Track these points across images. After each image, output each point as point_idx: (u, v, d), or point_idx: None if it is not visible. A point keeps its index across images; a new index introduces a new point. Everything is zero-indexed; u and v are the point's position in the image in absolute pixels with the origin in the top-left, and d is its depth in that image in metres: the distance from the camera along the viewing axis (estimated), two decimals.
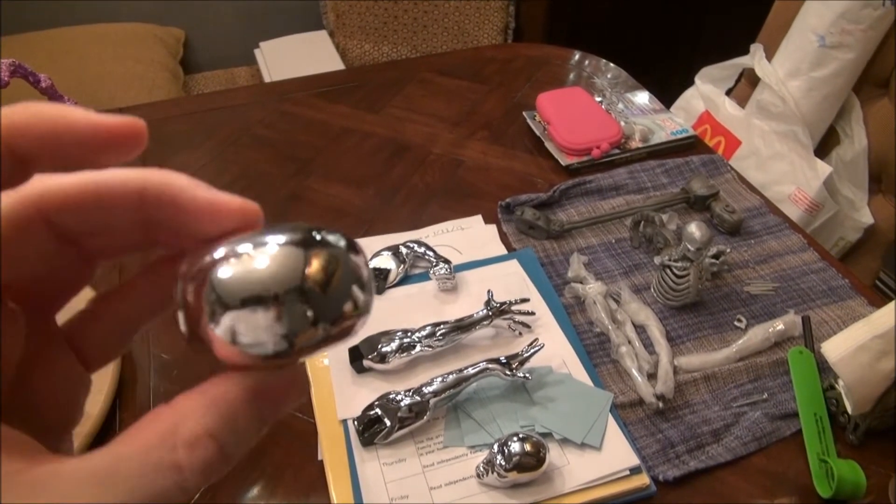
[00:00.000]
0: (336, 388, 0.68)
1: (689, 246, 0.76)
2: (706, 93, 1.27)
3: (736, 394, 0.72)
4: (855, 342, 0.62)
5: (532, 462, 0.59)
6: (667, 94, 1.33)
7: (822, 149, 1.15)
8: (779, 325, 0.77)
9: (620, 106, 1.14)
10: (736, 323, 0.79)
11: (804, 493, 0.64)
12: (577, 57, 1.32)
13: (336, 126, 1.11)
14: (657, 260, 0.81)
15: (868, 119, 1.11)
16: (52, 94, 0.82)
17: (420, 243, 0.84)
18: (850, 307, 0.81)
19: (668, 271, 0.79)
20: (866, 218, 1.09)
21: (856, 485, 0.60)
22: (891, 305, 0.62)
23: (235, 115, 1.14)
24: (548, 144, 1.05)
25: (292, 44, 1.98)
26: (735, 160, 1.17)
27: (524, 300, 0.75)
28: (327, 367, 0.70)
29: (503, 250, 0.87)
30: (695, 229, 0.75)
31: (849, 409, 0.65)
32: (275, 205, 0.95)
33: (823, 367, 0.72)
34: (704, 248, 0.76)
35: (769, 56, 1.20)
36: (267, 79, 1.89)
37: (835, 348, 0.63)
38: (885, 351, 0.61)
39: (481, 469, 0.60)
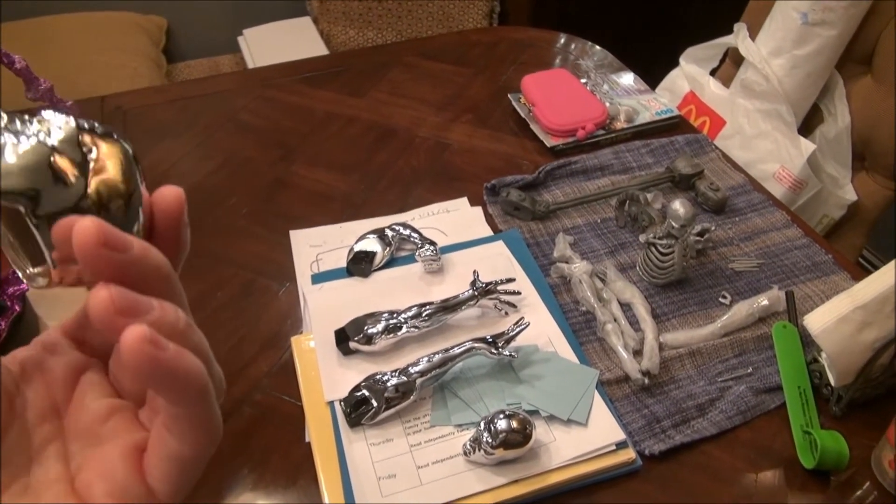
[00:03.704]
0: (322, 370, 0.68)
1: (673, 223, 0.76)
2: (691, 73, 1.27)
3: (721, 369, 0.72)
4: (837, 314, 0.62)
5: (518, 439, 0.59)
6: (652, 76, 1.33)
7: (806, 127, 1.15)
8: (763, 300, 0.77)
9: (605, 87, 1.14)
10: (721, 299, 0.80)
11: (788, 464, 0.64)
12: (562, 40, 1.32)
13: (320, 111, 1.11)
14: (642, 238, 0.81)
15: (851, 96, 1.11)
16: (26, 76, 0.80)
17: (406, 226, 0.84)
18: (833, 282, 0.82)
19: (652, 249, 0.79)
20: (850, 195, 1.10)
21: (839, 455, 0.61)
22: (872, 277, 0.62)
23: (219, 101, 1.13)
24: (533, 126, 1.05)
25: (276, 31, 1.96)
26: (720, 139, 1.17)
27: (510, 280, 0.76)
28: (313, 349, 0.70)
29: (489, 232, 0.87)
30: (679, 207, 0.76)
31: (832, 382, 0.66)
32: (260, 190, 0.95)
33: (807, 341, 0.72)
34: (688, 226, 0.77)
35: (753, 35, 1.20)
36: (251, 66, 1.87)
37: (817, 321, 0.63)
38: (867, 322, 0.62)
39: (468, 447, 0.60)
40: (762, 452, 0.65)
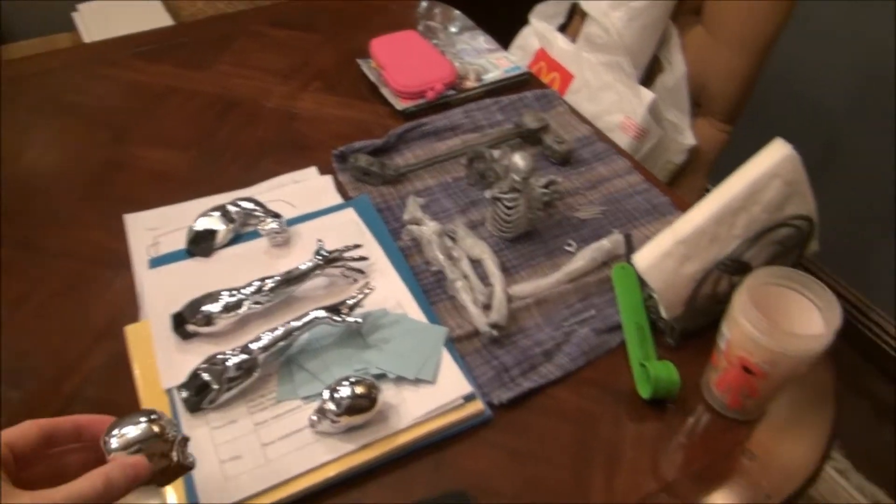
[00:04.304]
0: (159, 357, 0.64)
1: (515, 177, 0.77)
2: (540, 30, 1.29)
3: (566, 314, 0.74)
4: (660, 250, 0.65)
5: (364, 404, 0.59)
6: (507, 37, 1.34)
7: (648, 77, 1.20)
8: (605, 244, 0.80)
9: (455, 47, 1.14)
10: (566, 247, 0.82)
11: (629, 398, 0.67)
12: (413, 1, 1.30)
13: (158, 87, 1.04)
14: (487, 194, 0.82)
15: (686, 46, 1.16)
16: None
17: (249, 200, 0.81)
18: (670, 223, 0.85)
19: (499, 204, 0.80)
20: (689, 140, 1.16)
21: (670, 382, 0.64)
22: (691, 212, 0.66)
23: (46, 82, 1.04)
24: (383, 90, 1.03)
25: (116, 5, 1.83)
26: (569, 94, 1.20)
27: (356, 246, 0.74)
28: (149, 336, 0.66)
29: (339, 200, 0.86)
30: (518, 160, 0.77)
31: (664, 315, 0.70)
32: (92, 174, 0.88)
33: (644, 280, 0.75)
34: (530, 178, 0.78)
35: None
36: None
37: (643, 258, 0.66)
38: (688, 255, 0.65)
39: (314, 418, 0.59)
40: (606, 389, 0.68)
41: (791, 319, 0.61)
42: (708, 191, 0.68)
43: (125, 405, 0.63)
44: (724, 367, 0.63)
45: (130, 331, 0.67)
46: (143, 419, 0.45)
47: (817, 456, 0.63)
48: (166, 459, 0.45)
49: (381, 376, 0.64)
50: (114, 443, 0.44)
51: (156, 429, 0.45)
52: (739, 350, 0.60)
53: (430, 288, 0.76)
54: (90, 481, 0.40)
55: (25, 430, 0.43)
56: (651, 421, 0.66)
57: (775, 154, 0.67)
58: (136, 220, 0.81)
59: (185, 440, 0.48)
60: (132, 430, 0.45)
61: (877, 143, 1.51)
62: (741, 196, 0.65)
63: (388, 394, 0.63)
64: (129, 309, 0.71)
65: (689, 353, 0.71)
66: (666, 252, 0.65)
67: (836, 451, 1.47)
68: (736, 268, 0.66)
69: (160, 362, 0.64)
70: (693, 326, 0.72)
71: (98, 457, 0.45)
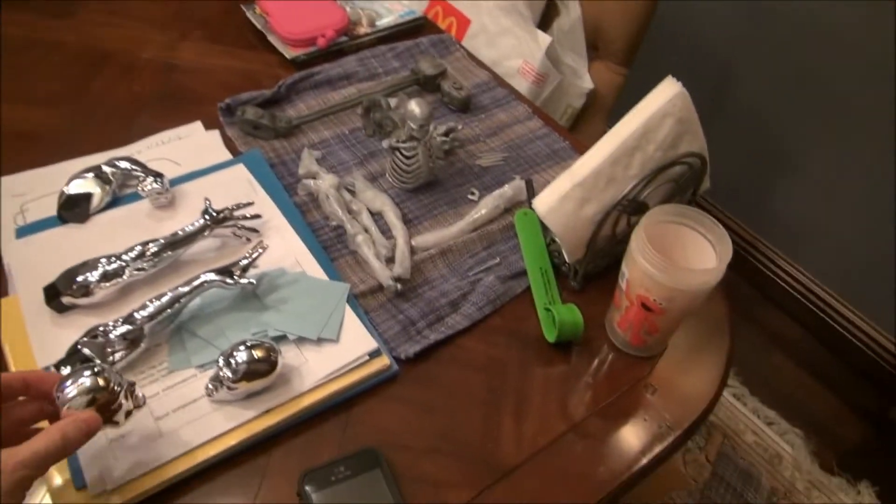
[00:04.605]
0: (32, 333, 0.59)
1: (412, 125, 0.75)
2: None
3: (471, 263, 0.73)
4: (559, 193, 0.65)
5: (264, 368, 0.56)
6: None
7: (545, 21, 1.19)
8: (507, 191, 0.79)
9: None
10: (469, 196, 0.81)
11: (536, 343, 0.68)
12: None
13: (16, 38, 0.94)
14: (385, 143, 0.79)
15: None
16: None
17: (127, 159, 0.74)
18: (570, 166, 0.86)
19: (397, 154, 0.77)
20: (588, 83, 1.16)
21: (574, 325, 0.65)
22: (587, 155, 0.65)
23: None
24: (271, 38, 0.97)
25: None
26: (467, 39, 1.17)
27: (248, 204, 0.70)
28: (20, 313, 0.60)
29: (228, 156, 0.80)
30: (415, 107, 0.74)
31: (566, 258, 0.70)
32: None
33: (545, 224, 0.75)
34: (427, 125, 0.75)
35: None
36: None
37: (543, 202, 0.65)
38: (586, 198, 0.65)
39: (210, 387, 0.56)
40: (513, 336, 0.68)
41: (686, 255, 0.62)
42: None
43: None
44: (625, 306, 0.64)
45: None
46: (87, 373, 0.48)
47: (715, 385, 0.66)
48: (116, 405, 0.49)
49: (282, 338, 0.61)
50: (68, 393, 0.47)
51: (101, 381, 0.48)
52: (638, 288, 0.61)
53: (329, 244, 0.73)
54: (49, 437, 0.43)
55: None
56: (558, 364, 0.67)
57: (666, 92, 0.67)
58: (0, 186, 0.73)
59: (132, 385, 0.51)
60: (83, 382, 0.48)
61: (762, 82, 1.57)
62: (635, 136, 0.66)
63: (288, 356, 0.60)
64: None
65: (592, 294, 0.72)
66: (564, 195, 0.65)
67: (732, 377, 1.57)
68: (634, 208, 0.67)
69: (33, 339, 0.59)
70: (595, 268, 0.72)
71: (45, 408, 0.49)
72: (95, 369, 0.49)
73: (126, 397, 0.50)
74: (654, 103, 0.66)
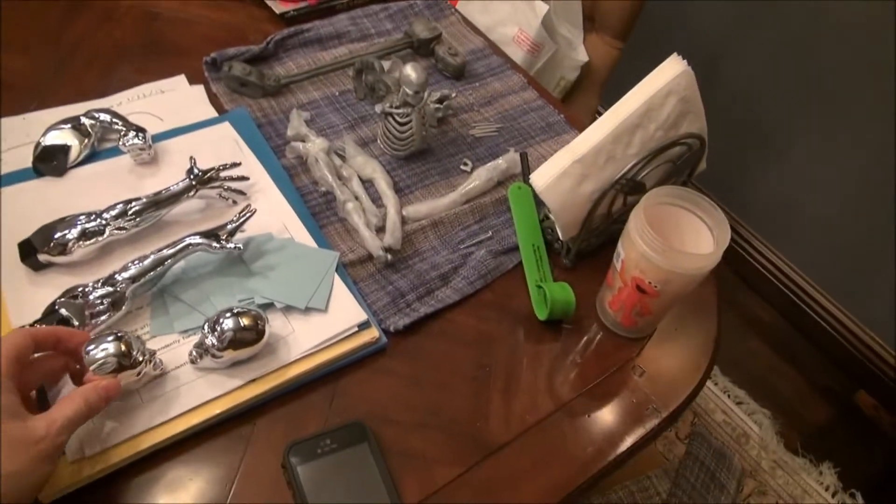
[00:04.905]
0: (6, 292, 0.56)
1: (407, 90, 0.72)
2: None
3: (463, 236, 0.72)
4: (558, 169, 0.63)
5: (250, 336, 0.54)
6: None
7: None
8: (501, 163, 0.77)
9: None
10: (462, 167, 0.79)
11: (526, 319, 0.67)
12: None
13: None
14: (378, 108, 0.76)
15: None
16: None
17: (107, 111, 0.71)
18: (564, 141, 0.84)
19: (390, 119, 0.75)
20: (582, 56, 1.14)
21: (566, 303, 0.64)
22: (587, 131, 0.64)
23: None
24: None
25: None
26: (461, 4, 1.14)
27: (235, 165, 0.68)
28: None
29: (213, 113, 0.77)
30: (411, 72, 0.71)
31: (560, 236, 0.69)
32: None
33: (540, 200, 0.74)
34: (423, 91, 0.73)
35: None
36: None
37: (541, 177, 0.64)
38: (585, 175, 0.64)
39: (194, 354, 0.54)
40: (503, 311, 0.67)
41: (682, 238, 0.61)
42: (599, 111, 0.66)
43: None
44: (618, 286, 0.63)
45: None
46: (111, 338, 0.50)
47: (702, 370, 0.66)
48: (137, 369, 0.51)
49: (268, 306, 0.59)
50: (94, 355, 0.49)
51: (123, 347, 0.50)
52: (634, 270, 0.60)
53: (318, 210, 0.71)
54: (75, 403, 0.46)
55: (23, 340, 0.47)
56: (547, 342, 0.66)
57: (671, 70, 0.65)
58: None
59: (153, 353, 0.53)
60: (107, 347, 0.50)
61: (750, 66, 1.57)
62: (638, 113, 0.64)
63: (275, 324, 0.58)
64: None
65: (584, 273, 0.71)
66: (563, 172, 0.63)
67: None
68: (632, 187, 0.65)
69: (7, 298, 0.56)
70: (588, 247, 0.71)
71: (70, 364, 0.51)
72: (119, 335, 0.51)
73: (147, 364, 0.52)
74: (658, 81, 0.65)
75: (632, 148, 0.65)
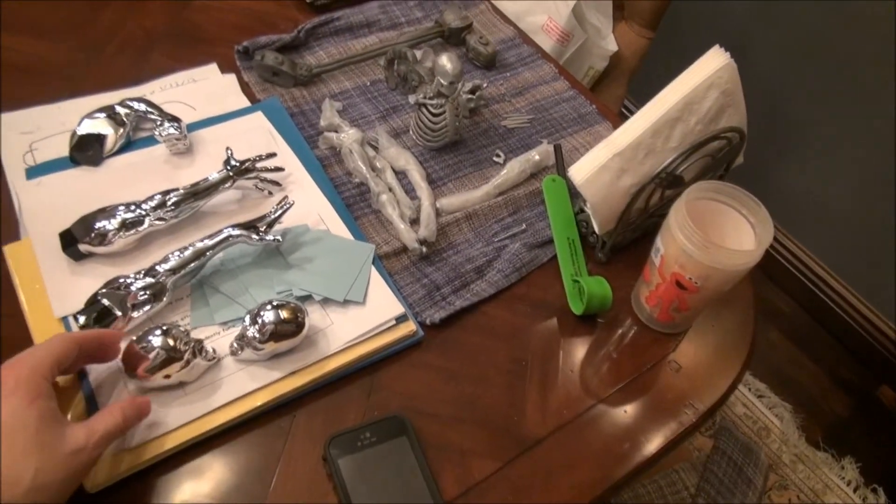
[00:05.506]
0: (48, 281, 0.57)
1: (441, 81, 0.72)
2: None
3: (497, 228, 0.72)
4: (597, 163, 0.63)
5: (291, 329, 0.54)
6: None
7: None
8: (534, 155, 0.77)
9: None
10: (494, 158, 0.79)
11: (561, 313, 0.67)
12: None
13: None
14: (412, 99, 0.76)
15: None
16: None
17: (142, 101, 0.71)
18: (597, 132, 0.84)
19: (424, 110, 0.74)
20: (612, 45, 1.13)
21: (603, 298, 0.64)
22: (626, 125, 0.63)
23: None
24: None
25: None
26: None
27: (271, 155, 0.67)
28: (33, 257, 0.58)
29: (245, 102, 0.77)
30: (446, 62, 0.71)
31: (596, 229, 0.68)
32: None
33: (574, 193, 0.74)
34: (457, 82, 0.73)
35: None
36: None
37: (580, 170, 0.63)
38: (624, 168, 0.63)
39: (235, 346, 0.54)
40: (537, 305, 0.67)
41: (723, 234, 0.61)
42: (628, 101, 0.66)
43: (13, 337, 0.55)
44: (656, 282, 0.62)
45: (10, 251, 0.58)
46: (158, 332, 0.51)
47: (738, 367, 0.66)
48: (185, 360, 0.52)
49: (306, 298, 0.59)
50: (145, 348, 0.51)
51: (171, 341, 0.51)
52: (674, 265, 0.59)
53: (352, 201, 0.71)
54: (112, 417, 0.46)
55: (66, 348, 0.46)
56: (582, 336, 0.66)
57: (713, 63, 0.64)
58: (8, 121, 0.69)
59: (200, 343, 0.53)
60: (154, 341, 0.51)
61: (773, 56, 1.55)
62: (678, 107, 0.63)
63: (314, 317, 0.58)
64: (8, 226, 0.62)
65: (618, 267, 0.71)
66: (603, 166, 0.63)
67: None
68: (670, 181, 0.65)
69: (50, 287, 0.56)
70: (623, 241, 0.71)
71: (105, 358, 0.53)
72: (164, 328, 0.52)
73: (194, 354, 0.52)
74: (699, 74, 0.64)
75: (671, 142, 0.64)
